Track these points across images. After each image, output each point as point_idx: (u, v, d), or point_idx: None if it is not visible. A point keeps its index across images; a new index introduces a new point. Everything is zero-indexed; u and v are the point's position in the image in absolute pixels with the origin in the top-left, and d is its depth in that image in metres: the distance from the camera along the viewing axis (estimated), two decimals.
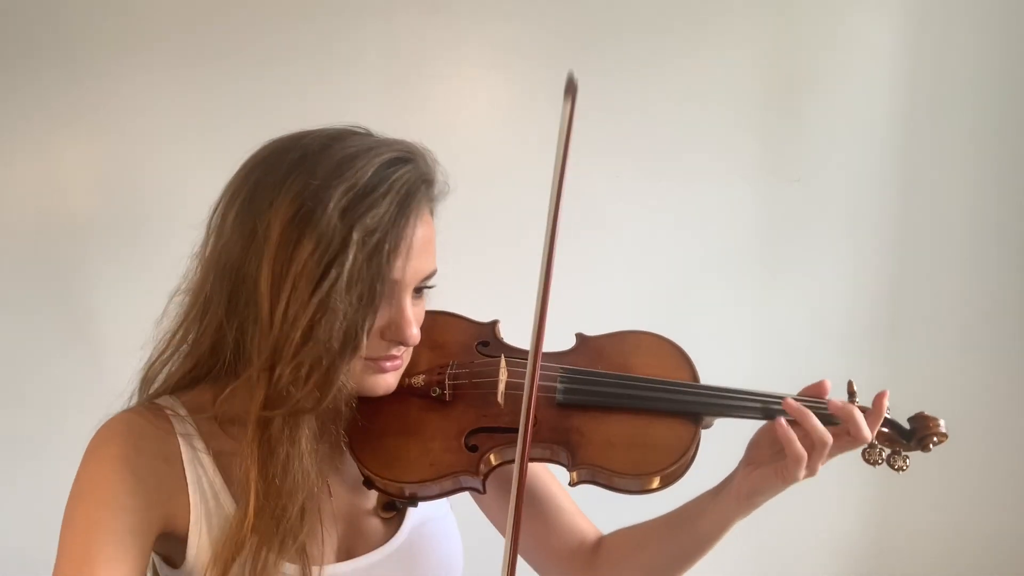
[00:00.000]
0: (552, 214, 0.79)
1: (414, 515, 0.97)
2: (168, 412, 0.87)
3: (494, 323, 1.00)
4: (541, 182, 1.88)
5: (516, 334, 0.99)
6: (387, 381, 0.88)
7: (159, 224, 1.59)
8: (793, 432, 0.85)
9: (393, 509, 0.96)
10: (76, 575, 0.77)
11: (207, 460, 0.85)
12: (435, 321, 0.98)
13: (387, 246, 0.79)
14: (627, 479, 0.86)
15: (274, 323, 0.78)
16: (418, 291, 0.88)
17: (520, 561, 1.01)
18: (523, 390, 0.85)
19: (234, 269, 0.81)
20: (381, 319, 0.83)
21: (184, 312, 0.87)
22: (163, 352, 0.89)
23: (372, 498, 0.96)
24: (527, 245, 1.79)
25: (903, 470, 0.91)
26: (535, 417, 0.88)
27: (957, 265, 1.91)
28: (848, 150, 1.86)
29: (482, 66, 1.75)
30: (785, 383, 1.89)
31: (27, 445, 1.58)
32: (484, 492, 0.89)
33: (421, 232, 0.83)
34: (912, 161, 1.88)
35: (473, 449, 0.88)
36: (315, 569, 0.85)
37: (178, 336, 0.87)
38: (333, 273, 0.77)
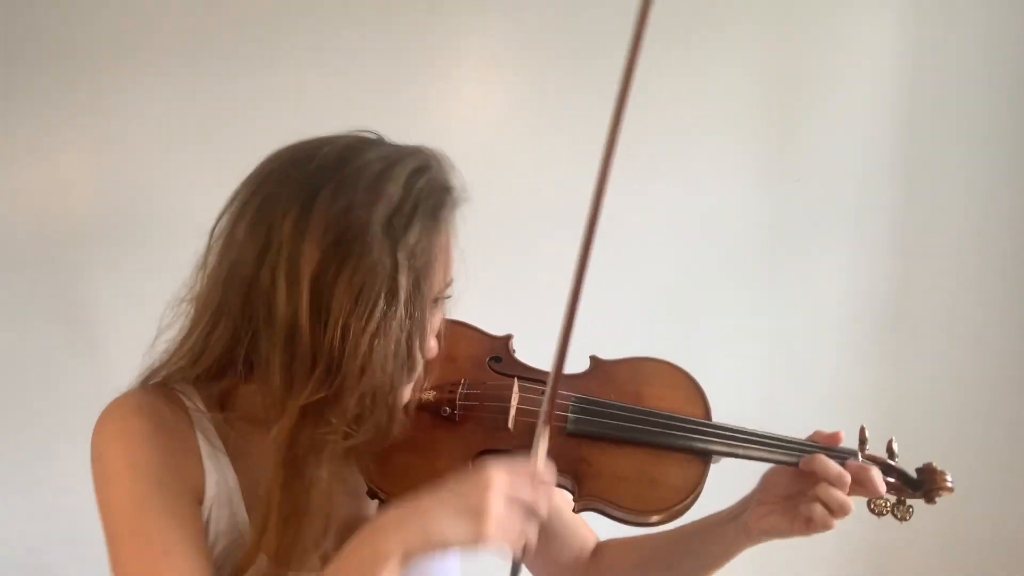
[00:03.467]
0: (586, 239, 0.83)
1: None
2: (183, 399, 0.86)
3: (507, 338, 0.98)
4: (541, 183, 1.88)
5: (528, 343, 0.97)
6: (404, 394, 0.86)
7: (162, 228, 1.59)
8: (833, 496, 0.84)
9: None
10: (143, 553, 0.76)
11: (223, 459, 0.85)
12: (449, 331, 0.95)
13: (430, 263, 0.78)
14: (630, 513, 0.86)
15: (318, 353, 0.76)
16: (436, 301, 0.86)
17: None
18: (535, 417, 0.85)
19: (247, 282, 0.79)
20: None
21: (192, 322, 0.84)
22: (167, 361, 0.87)
23: (373, 507, 0.95)
24: (530, 249, 1.80)
25: (907, 520, 0.89)
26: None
27: (959, 264, 1.90)
28: (848, 150, 1.86)
29: (481, 68, 1.75)
30: (787, 381, 1.89)
31: (29, 450, 1.58)
32: None
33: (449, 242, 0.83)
34: (913, 160, 1.87)
35: None
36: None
37: (186, 347, 0.85)
38: (386, 300, 0.75)
